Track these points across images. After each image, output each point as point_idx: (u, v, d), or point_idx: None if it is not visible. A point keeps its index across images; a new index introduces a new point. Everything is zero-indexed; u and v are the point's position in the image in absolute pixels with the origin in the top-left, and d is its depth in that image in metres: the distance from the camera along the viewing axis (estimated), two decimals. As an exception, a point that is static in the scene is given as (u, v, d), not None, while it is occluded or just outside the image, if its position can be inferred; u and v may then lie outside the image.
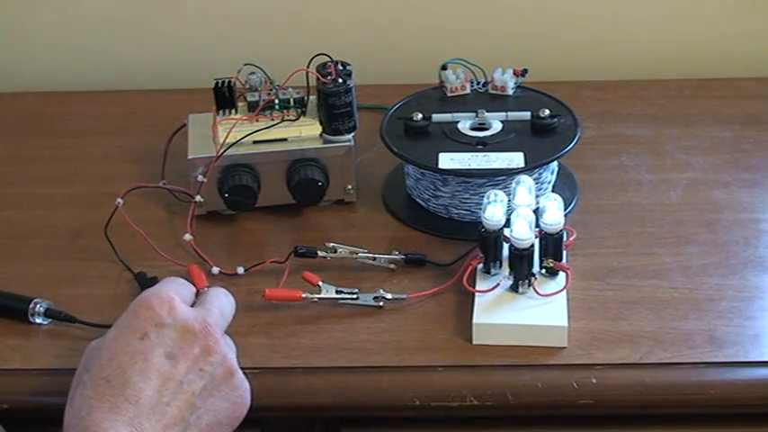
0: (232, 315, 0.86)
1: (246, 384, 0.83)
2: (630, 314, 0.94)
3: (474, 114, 1.09)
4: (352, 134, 1.07)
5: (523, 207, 0.95)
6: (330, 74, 1.05)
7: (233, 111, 1.07)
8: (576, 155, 1.07)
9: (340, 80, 1.05)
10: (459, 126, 1.08)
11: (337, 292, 0.95)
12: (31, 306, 0.95)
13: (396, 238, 1.04)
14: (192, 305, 0.85)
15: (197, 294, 0.87)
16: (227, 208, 1.06)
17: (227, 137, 1.05)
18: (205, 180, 1.04)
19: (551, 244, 0.94)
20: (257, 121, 1.06)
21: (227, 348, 0.82)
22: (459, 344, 0.91)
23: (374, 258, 1.00)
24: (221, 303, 0.85)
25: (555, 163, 1.07)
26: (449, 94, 1.13)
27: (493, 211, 0.94)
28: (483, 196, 0.96)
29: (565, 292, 0.93)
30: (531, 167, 1.02)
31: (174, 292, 0.83)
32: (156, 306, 0.80)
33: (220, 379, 0.80)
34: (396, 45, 1.35)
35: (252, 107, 1.07)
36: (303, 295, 0.95)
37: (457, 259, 0.99)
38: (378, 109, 1.18)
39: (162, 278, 0.97)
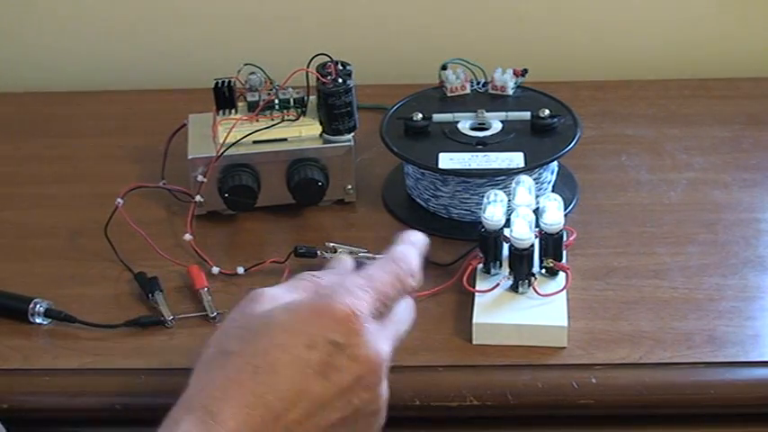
0: (407, 332, 0.80)
1: (382, 423, 0.76)
2: (630, 314, 0.94)
3: (474, 114, 1.09)
4: (352, 134, 1.07)
5: (523, 207, 0.94)
6: (330, 74, 1.05)
7: (233, 111, 1.07)
8: (575, 155, 1.07)
9: (340, 80, 1.05)
10: (459, 126, 1.08)
11: (337, 292, 0.95)
12: (31, 306, 0.95)
13: (396, 238, 1.04)
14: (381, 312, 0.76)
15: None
16: (227, 208, 1.06)
17: (227, 137, 1.05)
18: (205, 180, 1.04)
19: (551, 244, 0.94)
20: (257, 121, 1.06)
21: (385, 389, 0.75)
22: (459, 344, 0.91)
23: (374, 258, 1.00)
24: (403, 324, 0.79)
25: (555, 163, 1.07)
26: (449, 94, 1.13)
27: (493, 211, 0.94)
28: (483, 196, 0.96)
29: (565, 292, 0.93)
30: (531, 167, 1.02)
31: (371, 302, 0.74)
32: (338, 318, 0.72)
33: (363, 416, 0.74)
34: (396, 45, 1.35)
35: (252, 107, 1.07)
36: (303, 295, 0.95)
37: (457, 259, 0.99)
38: (378, 109, 1.18)
39: (162, 278, 0.98)
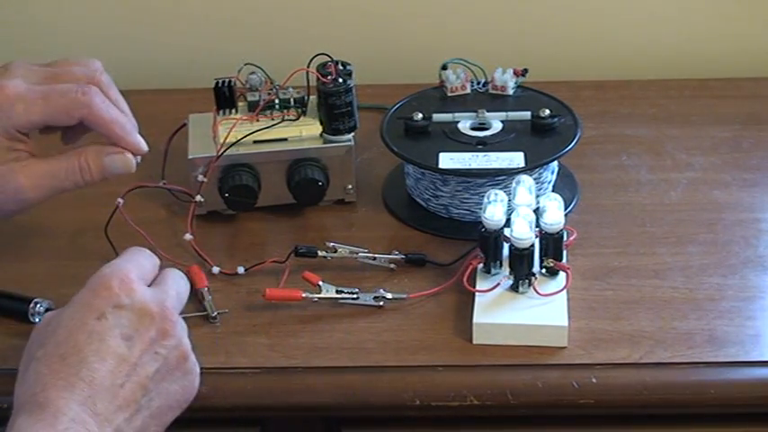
0: (186, 298, 0.87)
1: (197, 369, 0.83)
2: (630, 314, 0.94)
3: (474, 114, 1.09)
4: (353, 134, 1.07)
5: (524, 207, 0.95)
6: (330, 73, 1.05)
7: (233, 110, 1.07)
8: (576, 155, 1.08)
9: (340, 80, 1.05)
10: (460, 126, 1.08)
11: (337, 291, 0.95)
12: (31, 306, 0.95)
13: (396, 238, 1.04)
14: (152, 281, 0.85)
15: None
16: (227, 208, 1.06)
17: (227, 137, 1.05)
18: (205, 180, 1.04)
19: (551, 244, 0.94)
20: (257, 120, 1.06)
21: (183, 332, 0.83)
22: (460, 344, 0.91)
23: (374, 258, 1.00)
24: (178, 286, 0.86)
25: (555, 163, 1.07)
26: (449, 94, 1.13)
27: (493, 211, 0.94)
28: (483, 196, 0.96)
29: (565, 291, 0.93)
30: (531, 167, 1.02)
31: (135, 270, 0.83)
32: (114, 286, 0.81)
33: (174, 363, 0.81)
34: (396, 45, 1.35)
35: (252, 107, 1.07)
36: (303, 295, 0.95)
37: (457, 259, 0.99)
38: (378, 109, 1.18)
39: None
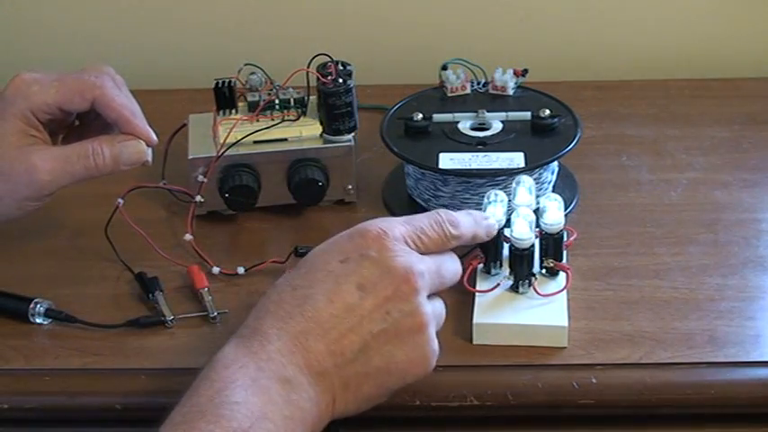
0: (452, 281, 0.84)
1: (435, 347, 0.80)
2: (631, 314, 0.94)
3: (474, 114, 1.09)
4: (353, 134, 1.07)
5: (524, 207, 0.95)
6: (330, 74, 1.05)
7: (233, 111, 1.07)
8: (576, 155, 1.07)
9: (340, 80, 1.05)
10: (460, 126, 1.08)
11: (337, 292, 0.95)
12: (31, 306, 0.95)
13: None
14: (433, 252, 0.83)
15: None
16: (227, 208, 1.06)
17: (227, 137, 1.05)
18: (205, 180, 1.04)
19: (551, 244, 0.94)
20: (257, 121, 1.06)
21: (427, 306, 0.79)
22: (460, 344, 0.91)
23: (374, 258, 0.99)
24: (445, 265, 0.83)
25: (555, 163, 1.07)
26: (449, 94, 1.13)
27: (493, 211, 0.94)
28: (483, 196, 0.96)
29: (565, 292, 0.93)
30: (531, 167, 1.02)
31: (401, 232, 0.80)
32: (369, 236, 0.79)
33: (405, 329, 0.78)
34: (396, 45, 1.35)
35: (252, 107, 1.07)
36: (303, 295, 0.95)
37: (457, 259, 0.99)
38: (378, 109, 1.18)
39: (162, 278, 0.98)
